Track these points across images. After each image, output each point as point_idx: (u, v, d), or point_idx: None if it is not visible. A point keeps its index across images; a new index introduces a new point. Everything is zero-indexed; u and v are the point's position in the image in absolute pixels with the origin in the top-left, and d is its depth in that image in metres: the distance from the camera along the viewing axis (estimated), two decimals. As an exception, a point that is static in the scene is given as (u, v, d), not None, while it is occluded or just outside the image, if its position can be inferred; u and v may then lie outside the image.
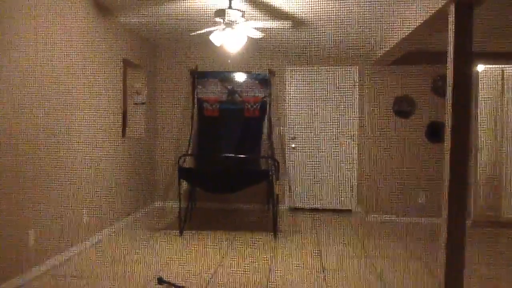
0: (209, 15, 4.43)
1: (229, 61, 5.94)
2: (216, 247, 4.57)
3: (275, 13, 4.53)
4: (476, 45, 3.08)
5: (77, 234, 4.23)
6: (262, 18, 4.66)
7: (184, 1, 4.34)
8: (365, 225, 5.78)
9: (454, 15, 3.01)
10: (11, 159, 3.23)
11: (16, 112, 3.27)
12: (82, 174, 4.30)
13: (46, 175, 3.68)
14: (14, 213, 3.28)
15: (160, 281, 3.47)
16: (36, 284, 3.40)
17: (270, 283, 3.55)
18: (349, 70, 6.45)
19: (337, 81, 6.50)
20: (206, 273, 3.76)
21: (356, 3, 4.25)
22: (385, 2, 4.17)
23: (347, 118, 6.49)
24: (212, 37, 4.28)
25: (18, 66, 3.27)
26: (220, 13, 4.06)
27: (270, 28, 4.68)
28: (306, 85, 6.55)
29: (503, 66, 5.70)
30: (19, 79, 3.30)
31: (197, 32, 4.50)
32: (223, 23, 4.15)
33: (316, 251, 4.49)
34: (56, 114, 3.81)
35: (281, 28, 4.87)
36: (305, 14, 4.61)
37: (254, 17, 4.62)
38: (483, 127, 5.74)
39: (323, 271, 3.83)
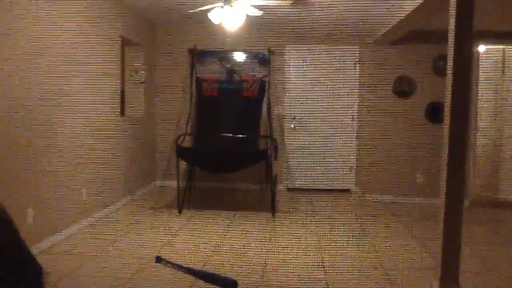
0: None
1: (228, 39, 5.87)
2: (214, 226, 4.60)
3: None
4: (477, 25, 3.04)
5: (76, 213, 4.25)
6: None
7: (182, -22, 4.28)
8: (363, 205, 5.81)
9: (455, -7, 2.97)
10: (10, 139, 3.22)
11: (14, 92, 3.25)
12: (81, 153, 4.29)
13: (45, 154, 3.68)
14: (13, 192, 3.28)
15: (158, 259, 3.49)
16: (36, 261, 3.42)
17: (268, 262, 3.58)
18: (350, 50, 6.39)
19: (337, 61, 6.44)
20: (204, 252, 3.79)
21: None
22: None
23: (347, 98, 6.45)
24: (210, 15, 4.23)
25: (16, 45, 3.24)
26: (219, -10, 4.00)
27: (270, 6, 4.62)
28: (306, 65, 6.50)
29: (504, 46, 5.65)
30: (18, 57, 3.26)
31: (196, 9, 4.44)
32: (222, 0, 4.10)
33: (314, 230, 4.52)
34: (54, 92, 3.79)
35: (280, 6, 4.81)
36: (305, -8, 4.54)
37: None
38: (482, 107, 5.72)
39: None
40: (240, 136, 5.62)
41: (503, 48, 5.65)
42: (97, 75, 4.61)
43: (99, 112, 4.68)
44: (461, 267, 3.00)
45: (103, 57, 4.73)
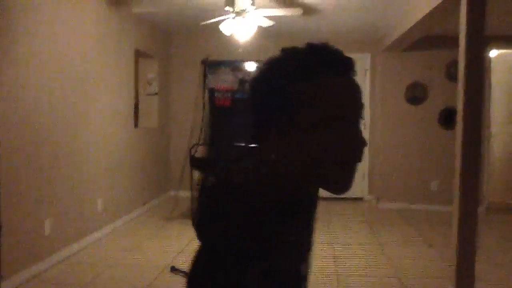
0: (220, 4, 4.42)
1: (239, 50, 5.92)
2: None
3: (285, 0, 4.51)
4: (488, 29, 3.04)
5: (92, 223, 4.30)
6: (272, 5, 4.63)
7: (194, -9, 4.34)
8: (376, 213, 5.78)
9: (466, -1, 2.97)
10: (28, 151, 3.28)
11: (32, 103, 3.31)
12: (97, 165, 4.35)
13: (62, 165, 3.73)
14: (31, 203, 3.34)
15: (173, 269, 3.52)
16: (53, 272, 3.47)
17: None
18: (361, 57, 6.39)
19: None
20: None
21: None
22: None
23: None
24: (222, 27, 4.28)
25: (33, 57, 3.31)
26: (230, 1, 4.05)
27: (280, 16, 4.66)
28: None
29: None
30: (35, 69, 3.34)
31: (207, 21, 4.50)
32: (233, 11, 4.15)
33: (327, 238, 4.50)
34: (70, 104, 3.86)
35: (291, 16, 4.84)
36: (315, 1, 4.57)
37: (264, 5, 4.59)
38: (496, 112, 5.68)
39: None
40: (253, 145, 5.63)
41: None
42: (111, 87, 4.68)
43: (113, 124, 4.74)
44: (476, 274, 2.98)
45: (117, 69, 4.81)
